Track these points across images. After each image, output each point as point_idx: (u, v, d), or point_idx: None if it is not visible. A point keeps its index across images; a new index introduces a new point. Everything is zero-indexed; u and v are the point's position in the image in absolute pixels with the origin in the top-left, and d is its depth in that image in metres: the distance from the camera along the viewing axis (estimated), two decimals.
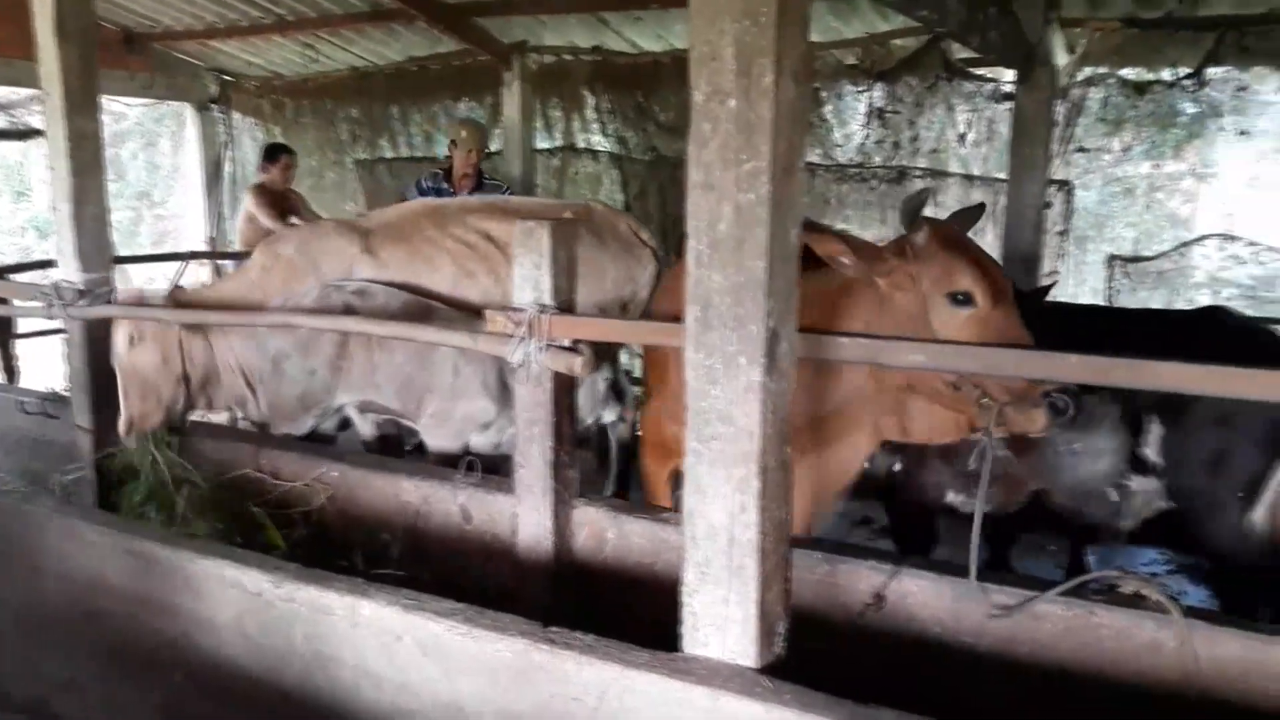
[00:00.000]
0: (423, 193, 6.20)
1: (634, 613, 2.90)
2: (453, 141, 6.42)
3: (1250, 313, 5.92)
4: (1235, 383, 2.16)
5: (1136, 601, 2.44)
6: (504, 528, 3.18)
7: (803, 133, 1.98)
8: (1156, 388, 2.29)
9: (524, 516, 3.04)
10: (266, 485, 3.70)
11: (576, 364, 2.75)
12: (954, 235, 2.85)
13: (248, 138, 9.44)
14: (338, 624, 2.53)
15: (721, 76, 1.88)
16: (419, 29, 7.52)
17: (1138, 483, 3.64)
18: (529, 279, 2.83)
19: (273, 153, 7.52)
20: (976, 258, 2.77)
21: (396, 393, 4.08)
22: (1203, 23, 5.62)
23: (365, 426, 4.33)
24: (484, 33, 7.35)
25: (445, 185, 6.29)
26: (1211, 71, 5.71)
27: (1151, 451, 3.55)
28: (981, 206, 3.25)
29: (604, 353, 3.40)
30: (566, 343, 2.81)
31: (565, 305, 2.84)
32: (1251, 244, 5.82)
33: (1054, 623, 2.50)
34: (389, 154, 8.98)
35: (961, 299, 2.66)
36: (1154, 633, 2.39)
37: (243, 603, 2.69)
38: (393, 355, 4.00)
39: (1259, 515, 3.33)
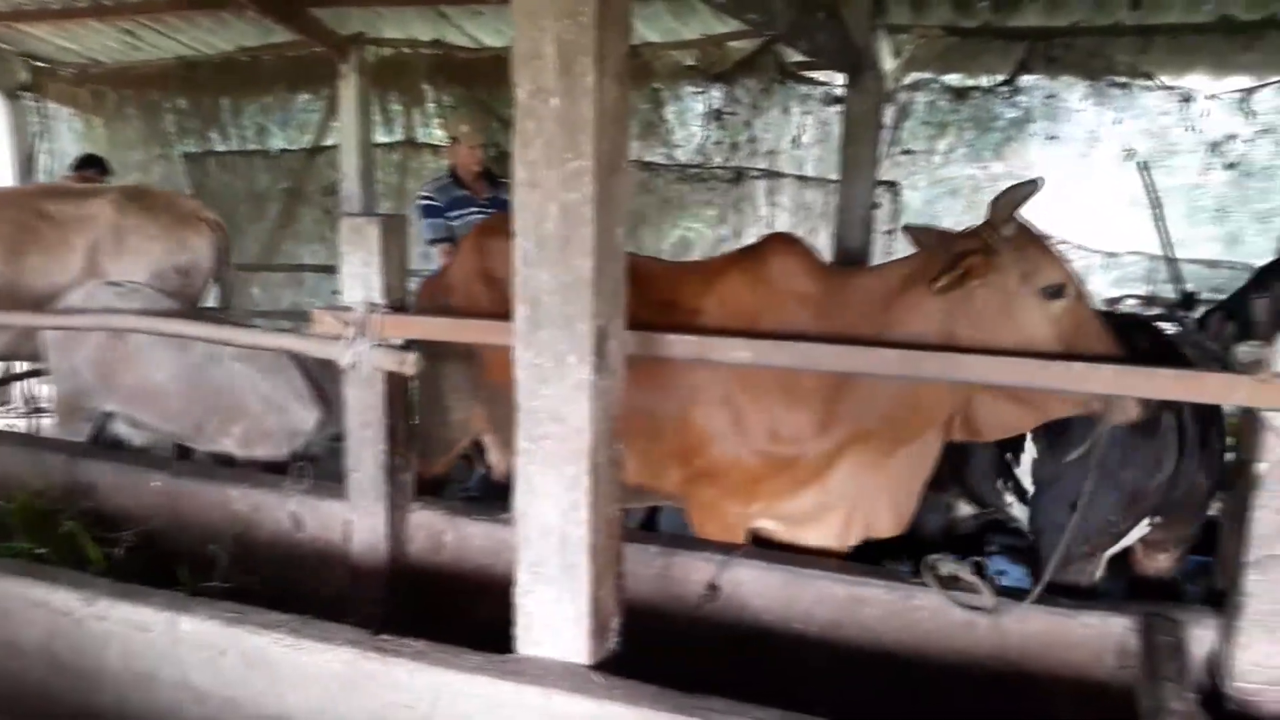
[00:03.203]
0: (437, 211, 5.33)
1: (476, 615, 2.86)
2: (453, 139, 5.50)
3: None
4: (1041, 373, 2.31)
5: (952, 583, 2.56)
6: (338, 534, 3.10)
7: (626, 132, 2.00)
8: (967, 379, 2.41)
9: (358, 522, 2.97)
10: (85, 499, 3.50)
11: (409, 363, 2.70)
12: (1034, 229, 2.73)
13: (65, 128, 8.89)
14: (156, 641, 2.41)
15: (544, 75, 1.88)
16: (250, 18, 7.22)
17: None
18: (358, 277, 2.75)
19: (104, 168, 7.10)
20: (1059, 253, 2.70)
21: (166, 415, 3.99)
22: (1014, 33, 5.96)
23: (135, 437, 4.18)
24: (318, 24, 7.12)
25: (460, 191, 5.36)
26: (1024, 79, 6.07)
27: (1026, 475, 3.09)
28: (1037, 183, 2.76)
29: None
30: (398, 342, 2.75)
31: (397, 304, 2.79)
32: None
33: (876, 606, 2.60)
34: (220, 147, 8.62)
35: (1053, 292, 2.56)
36: (967, 612, 2.52)
37: (51, 623, 2.52)
38: (151, 374, 3.91)
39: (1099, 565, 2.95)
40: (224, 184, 8.58)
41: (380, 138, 7.86)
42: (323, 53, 7.47)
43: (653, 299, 3.00)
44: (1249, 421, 2.27)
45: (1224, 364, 2.26)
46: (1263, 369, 2.05)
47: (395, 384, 2.85)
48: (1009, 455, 3.02)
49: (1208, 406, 2.82)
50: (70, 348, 3.95)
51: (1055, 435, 2.85)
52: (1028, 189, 2.58)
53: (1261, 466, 2.14)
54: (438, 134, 7.85)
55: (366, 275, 2.76)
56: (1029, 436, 2.95)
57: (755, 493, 2.95)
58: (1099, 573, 2.96)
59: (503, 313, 3.14)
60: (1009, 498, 3.14)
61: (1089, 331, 2.55)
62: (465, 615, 2.88)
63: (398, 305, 2.80)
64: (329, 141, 8.16)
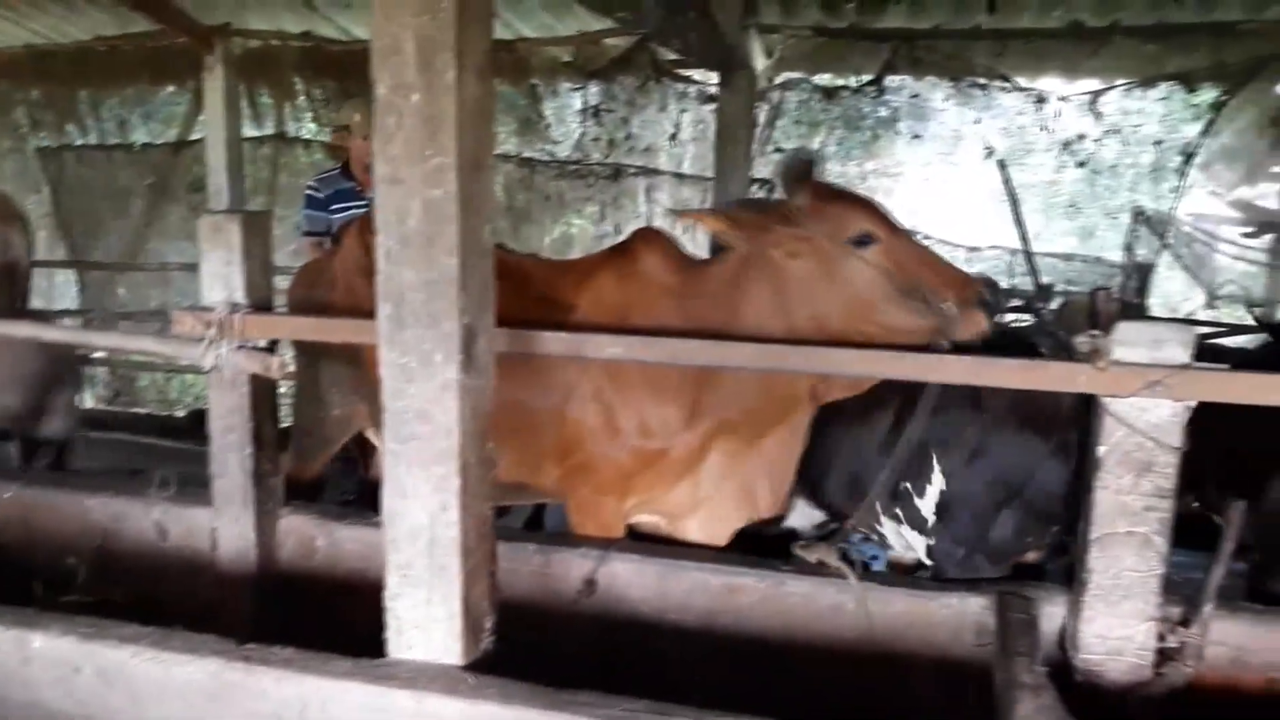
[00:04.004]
0: (317, 203, 5.12)
1: (351, 620, 2.81)
2: (345, 128, 5.19)
3: None
4: (896, 364, 2.40)
5: (821, 569, 2.64)
6: (204, 542, 3.01)
7: (491, 128, 2.00)
8: (826, 371, 2.48)
9: (224, 529, 2.89)
10: None
11: (273, 364, 2.63)
12: (828, 186, 2.80)
13: None
14: (4, 661, 2.29)
15: (404, 71, 1.86)
16: (106, 5, 6.91)
17: (897, 536, 3.15)
18: (219, 276, 2.68)
19: None
20: (859, 197, 2.76)
21: (23, 395, 3.97)
22: (880, 34, 6.14)
23: None
24: (180, 13, 6.85)
25: (346, 184, 5.12)
26: (890, 80, 6.26)
27: (926, 505, 3.01)
28: (813, 153, 3.05)
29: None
30: (262, 343, 2.69)
31: (261, 303, 2.72)
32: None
33: (750, 594, 2.66)
34: (79, 141, 8.23)
35: (863, 240, 2.62)
36: (835, 596, 2.60)
37: None
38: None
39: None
40: (84, 180, 8.21)
41: (250, 132, 7.62)
42: (186, 43, 7.19)
43: (531, 296, 3.01)
44: (1091, 407, 2.40)
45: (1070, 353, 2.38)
46: (1101, 357, 2.17)
47: (261, 386, 2.78)
48: (906, 485, 3.01)
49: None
50: None
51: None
52: (802, 158, 2.68)
53: (1101, 449, 2.26)
54: (310, 127, 7.67)
55: (228, 274, 2.69)
56: (938, 466, 2.97)
57: (630, 487, 2.98)
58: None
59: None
60: (892, 524, 3.12)
61: (917, 263, 2.62)
62: (340, 621, 2.83)
63: (262, 305, 2.73)
64: (195, 135, 7.88)
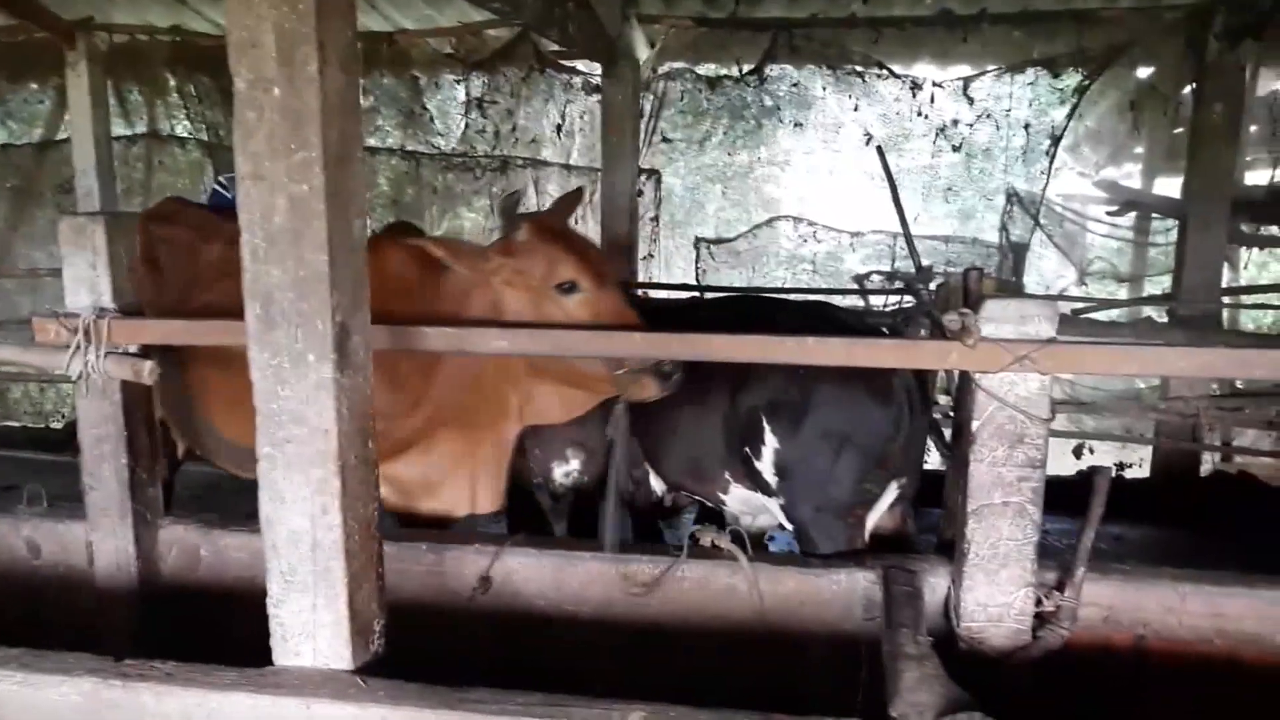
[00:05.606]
0: (229, 202, 4.92)
1: (238, 629, 2.74)
2: None
3: (819, 283, 6.71)
4: (775, 349, 2.43)
5: (714, 552, 2.67)
6: (81, 558, 2.90)
7: (358, 121, 1.95)
8: (700, 358, 2.52)
9: (100, 543, 2.80)
10: None
11: (144, 369, 2.54)
12: (553, 227, 2.97)
13: None
14: None
15: (264, 64, 1.81)
16: None
17: (741, 501, 3.27)
18: (83, 280, 2.58)
19: None
20: (576, 247, 2.93)
21: None
22: (760, 24, 6.22)
23: None
24: (38, 6, 6.53)
25: None
26: (771, 69, 6.34)
27: (766, 468, 3.07)
28: (579, 191, 3.38)
29: None
30: (133, 348, 2.59)
31: (128, 307, 2.62)
32: (811, 224, 6.59)
33: (644, 581, 2.67)
34: None
35: (568, 287, 2.80)
36: (728, 578, 2.64)
37: None
38: None
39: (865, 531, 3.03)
40: None
41: (120, 130, 7.31)
42: (46, 39, 6.87)
43: None
44: (964, 383, 2.47)
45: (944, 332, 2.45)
46: (971, 335, 2.24)
47: (133, 392, 2.69)
48: (747, 450, 3.09)
49: (922, 370, 3.08)
50: None
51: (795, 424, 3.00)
52: (516, 197, 2.99)
53: (974, 424, 2.34)
54: (185, 125, 7.39)
55: (93, 278, 2.59)
56: (769, 429, 3.04)
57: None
58: (865, 538, 3.06)
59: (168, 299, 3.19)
60: (744, 490, 3.22)
61: (612, 320, 2.79)
62: (230, 631, 2.75)
63: (130, 309, 2.63)
64: (62, 135, 7.53)
